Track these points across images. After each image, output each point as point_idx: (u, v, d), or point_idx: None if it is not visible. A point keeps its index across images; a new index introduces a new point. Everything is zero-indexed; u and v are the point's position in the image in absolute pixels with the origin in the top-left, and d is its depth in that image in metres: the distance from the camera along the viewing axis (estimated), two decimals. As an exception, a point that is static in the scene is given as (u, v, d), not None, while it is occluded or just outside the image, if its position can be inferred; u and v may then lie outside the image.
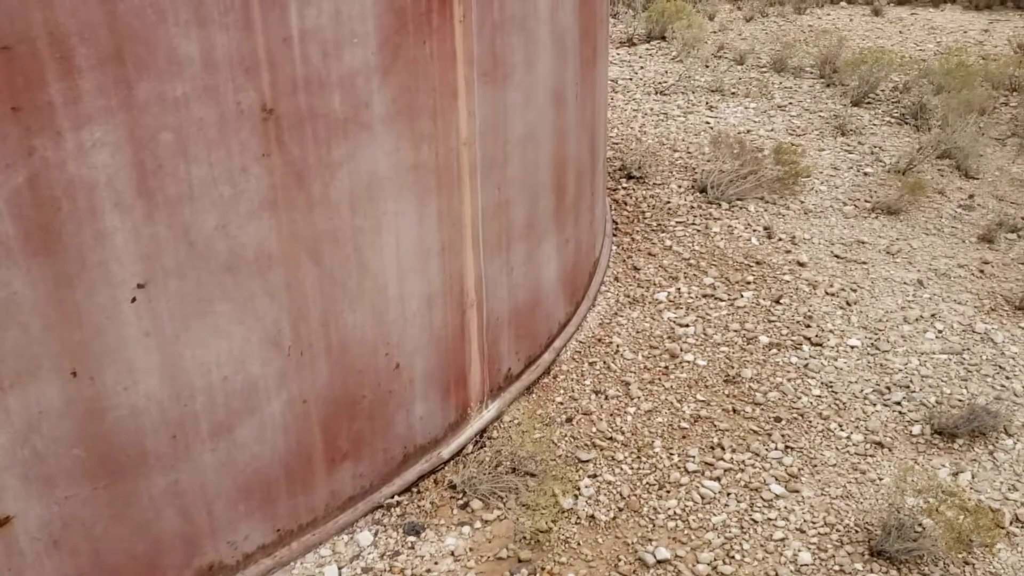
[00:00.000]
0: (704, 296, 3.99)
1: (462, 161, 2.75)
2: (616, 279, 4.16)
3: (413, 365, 2.79)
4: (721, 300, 3.95)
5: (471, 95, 2.71)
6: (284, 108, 2.14)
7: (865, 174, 5.14)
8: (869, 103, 6.18)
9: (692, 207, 4.78)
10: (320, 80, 2.20)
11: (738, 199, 4.84)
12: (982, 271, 4.15)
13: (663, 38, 7.86)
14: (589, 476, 2.96)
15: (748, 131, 5.76)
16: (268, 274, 2.25)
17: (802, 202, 4.83)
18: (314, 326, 2.41)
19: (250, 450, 2.37)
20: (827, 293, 3.98)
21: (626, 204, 4.86)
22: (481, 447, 3.07)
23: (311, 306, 2.39)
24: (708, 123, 5.92)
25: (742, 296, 3.97)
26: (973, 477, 2.95)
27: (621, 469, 3.00)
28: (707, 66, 7.02)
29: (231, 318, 2.20)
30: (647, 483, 2.93)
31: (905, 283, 4.05)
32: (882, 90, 6.38)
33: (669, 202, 4.83)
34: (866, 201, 4.82)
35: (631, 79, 6.82)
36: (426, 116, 2.56)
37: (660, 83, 6.69)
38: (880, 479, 2.94)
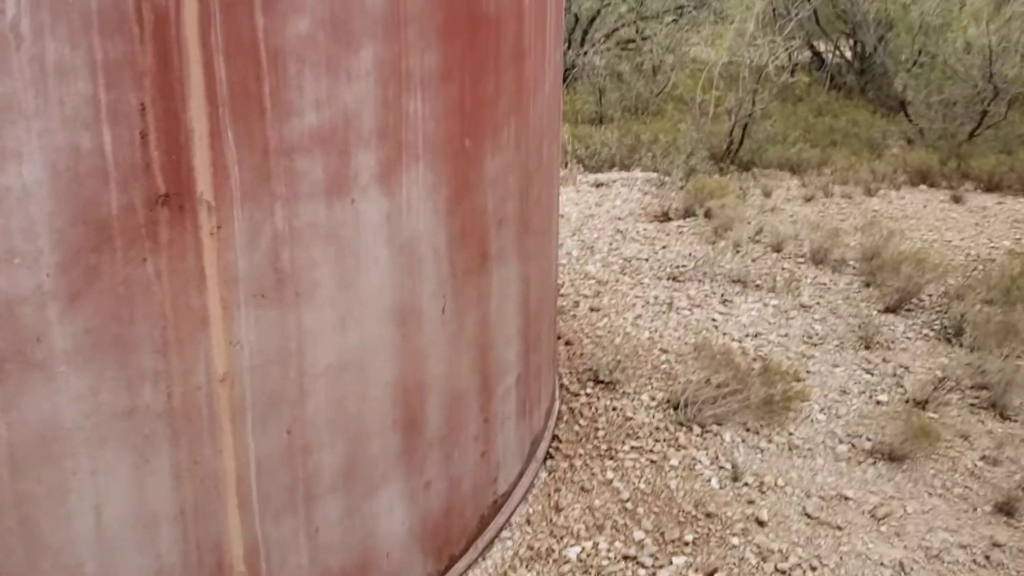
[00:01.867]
0: (625, 558, 3.20)
1: (218, 402, 2.17)
2: (528, 522, 3.43)
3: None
4: (643, 567, 3.16)
5: (234, 321, 2.15)
6: None
7: (878, 402, 4.29)
8: (909, 310, 5.33)
9: (656, 428, 4.03)
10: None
11: (715, 423, 4.07)
12: (988, 557, 3.21)
13: (707, 215, 7.25)
14: None
15: (756, 335, 5.00)
16: None
17: (790, 434, 4.01)
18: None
19: None
20: (778, 570, 3.13)
21: (582, 416, 4.16)
22: None
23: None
24: (715, 320, 5.19)
25: (670, 563, 3.17)
26: None
27: None
28: (738, 251, 6.33)
29: None
30: None
31: (882, 565, 3.16)
32: (928, 295, 5.52)
33: (631, 418, 4.10)
34: (867, 440, 3.96)
35: (647, 260, 6.19)
36: (149, 350, 2.01)
37: (678, 267, 6.03)
38: None
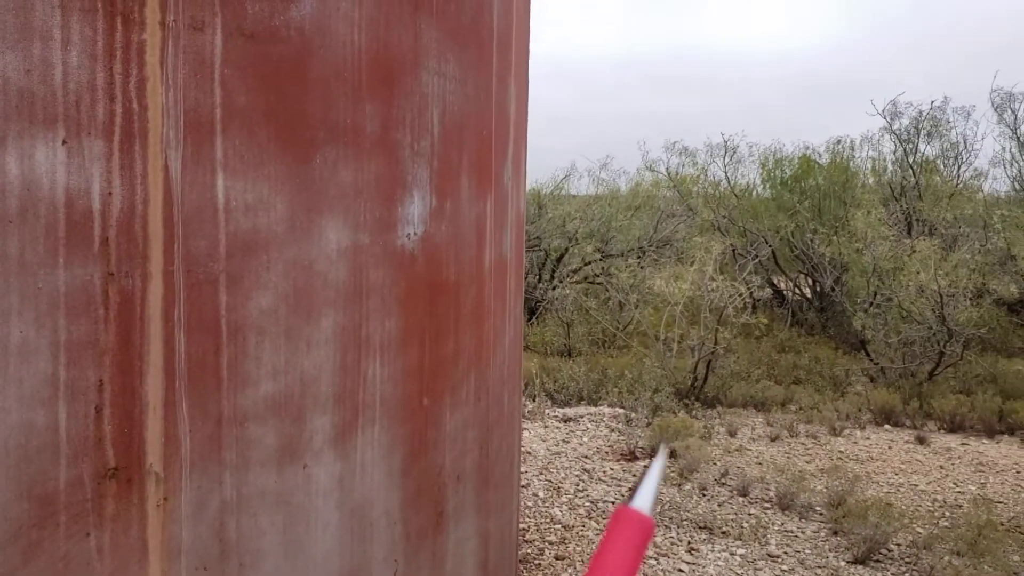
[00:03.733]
0: None
1: None
2: None
3: None
4: None
5: (173, 596, 2.08)
6: None
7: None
8: (878, 561, 5.24)
9: None
10: None
11: None
12: None
13: (672, 455, 7.23)
14: None
15: (724, 587, 4.85)
16: None
17: None
18: None
19: None
20: None
21: None
22: None
23: None
24: (682, 571, 5.05)
25: None
26: None
27: None
28: (704, 494, 6.27)
29: None
30: None
31: None
32: (897, 544, 5.44)
33: None
34: None
35: (614, 503, 6.10)
36: (79, 630, 1.93)
37: (644, 511, 5.93)
38: None
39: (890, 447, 8.09)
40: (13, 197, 1.76)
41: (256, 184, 2.11)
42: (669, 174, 20.17)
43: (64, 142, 1.79)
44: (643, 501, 0.74)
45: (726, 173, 18.75)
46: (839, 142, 17.09)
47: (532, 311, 13.99)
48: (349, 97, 2.35)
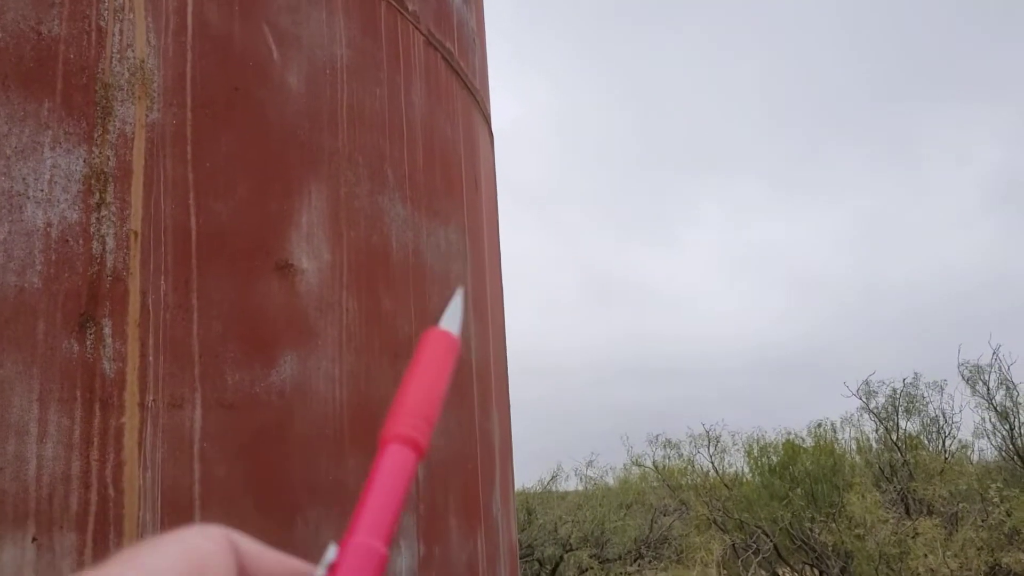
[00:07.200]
0: None
1: None
2: None
3: None
4: None
5: None
6: None
7: None
8: None
9: None
10: None
11: None
12: None
13: None
14: None
15: None
16: None
17: None
18: None
19: None
20: None
21: None
22: None
23: None
24: None
25: None
26: None
27: None
28: None
29: None
30: None
31: None
32: None
33: None
34: None
35: None
36: None
37: None
38: None
39: None
40: (-28, 605, 1.64)
41: (235, 559, 2.00)
42: (657, 468, 19.98)
43: (34, 539, 1.71)
44: (449, 322, 0.74)
45: (713, 463, 18.61)
46: (820, 425, 17.20)
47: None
48: (331, 454, 2.31)
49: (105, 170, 1.97)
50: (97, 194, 1.94)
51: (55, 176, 1.90)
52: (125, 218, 1.96)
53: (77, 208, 1.91)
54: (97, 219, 1.92)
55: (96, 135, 1.98)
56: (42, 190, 1.87)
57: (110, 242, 1.93)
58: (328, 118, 2.50)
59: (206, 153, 2.14)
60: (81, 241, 1.89)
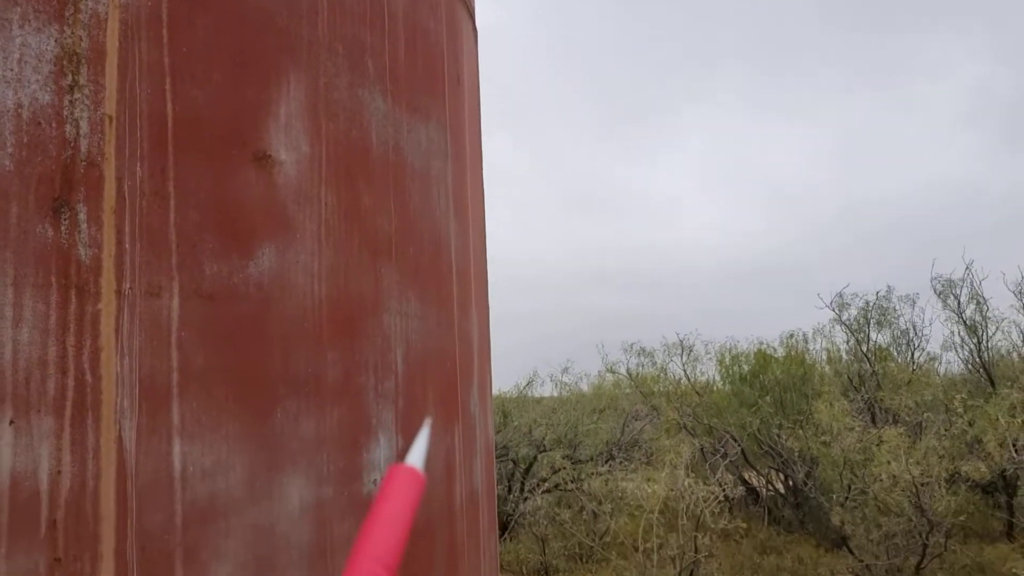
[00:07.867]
0: None
1: None
2: None
3: None
4: None
5: None
6: None
7: None
8: None
9: None
10: None
11: None
12: None
13: None
14: None
15: None
16: None
17: None
18: None
19: None
20: None
21: None
22: None
23: None
24: None
25: None
26: None
27: None
28: None
29: None
30: None
31: None
32: None
33: None
34: None
35: None
36: None
37: None
38: None
39: (889, 653, 7.69)
40: (-47, 485, 1.66)
41: (214, 446, 2.02)
42: (630, 375, 20.31)
43: (11, 422, 1.71)
44: (415, 458, 0.77)
45: (685, 371, 18.94)
46: (792, 336, 17.48)
47: (504, 526, 13.53)
48: (310, 347, 2.32)
49: (78, 51, 1.90)
50: (70, 76, 1.88)
51: (25, 55, 1.83)
52: (99, 101, 1.91)
53: (49, 90, 1.85)
54: (70, 101, 1.87)
55: (68, 14, 1.90)
56: (11, 69, 1.81)
57: (84, 126, 1.88)
58: (307, 5, 2.42)
59: (182, 36, 2.08)
60: (54, 124, 1.85)
